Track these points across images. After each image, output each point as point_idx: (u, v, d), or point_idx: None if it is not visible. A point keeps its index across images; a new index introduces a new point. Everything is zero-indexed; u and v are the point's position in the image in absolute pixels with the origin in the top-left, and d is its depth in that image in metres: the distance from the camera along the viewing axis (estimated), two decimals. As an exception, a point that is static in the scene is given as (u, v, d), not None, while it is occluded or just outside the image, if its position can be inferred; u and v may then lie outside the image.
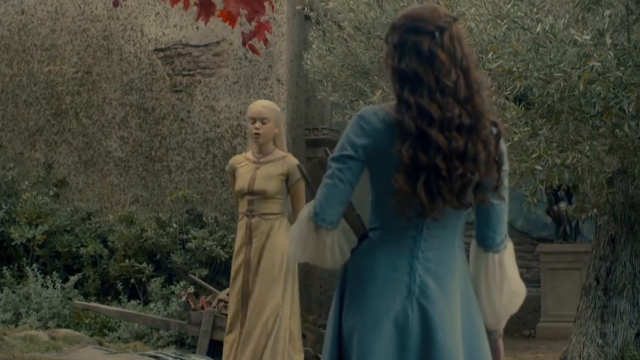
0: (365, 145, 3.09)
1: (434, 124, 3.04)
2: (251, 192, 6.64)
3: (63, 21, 11.81)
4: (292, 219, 5.91)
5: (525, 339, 11.81)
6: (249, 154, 6.88)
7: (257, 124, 6.66)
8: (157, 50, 11.39)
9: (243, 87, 10.93)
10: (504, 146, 3.18)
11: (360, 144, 3.09)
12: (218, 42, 11.03)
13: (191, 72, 11.21)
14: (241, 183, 6.69)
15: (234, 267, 6.78)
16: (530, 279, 12.25)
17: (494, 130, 3.14)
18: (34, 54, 11.92)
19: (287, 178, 6.65)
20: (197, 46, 11.20)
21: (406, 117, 3.06)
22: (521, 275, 3.35)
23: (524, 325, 12.01)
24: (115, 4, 6.89)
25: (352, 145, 3.10)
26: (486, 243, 3.22)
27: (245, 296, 6.64)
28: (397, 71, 3.13)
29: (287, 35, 10.88)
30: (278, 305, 6.52)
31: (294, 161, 6.59)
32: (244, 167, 6.77)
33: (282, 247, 6.48)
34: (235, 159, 6.94)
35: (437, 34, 3.08)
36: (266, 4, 6.05)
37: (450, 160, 3.03)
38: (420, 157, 3.02)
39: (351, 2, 7.14)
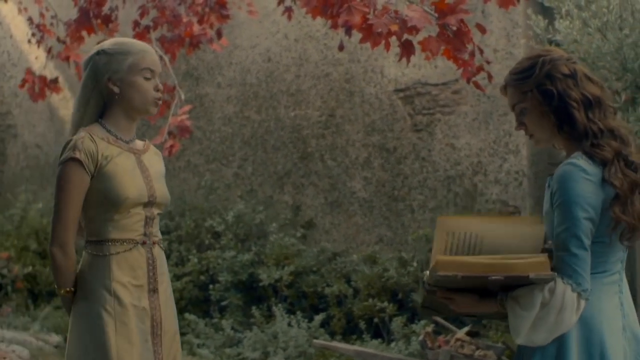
0: (600, 196, 3.05)
1: (626, 144, 3.11)
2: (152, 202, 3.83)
3: (307, 67, 12.17)
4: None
5: None
6: (103, 132, 3.81)
7: (159, 83, 3.88)
8: (397, 90, 11.50)
9: (482, 123, 10.83)
10: None
11: (598, 197, 3.04)
12: (456, 80, 10.99)
13: (431, 111, 11.24)
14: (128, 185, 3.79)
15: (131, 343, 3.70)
16: None
17: None
18: (280, 100, 12.33)
19: None
20: (436, 84, 11.21)
21: (604, 145, 3.08)
22: None
23: None
24: (340, 48, 7.09)
25: (590, 203, 3.03)
26: None
27: None
28: (582, 100, 3.12)
29: (525, 69, 10.68)
30: None
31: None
32: (119, 156, 3.78)
33: None
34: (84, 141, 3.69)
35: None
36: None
37: None
38: (630, 176, 3.05)
39: (574, 33, 6.97)
